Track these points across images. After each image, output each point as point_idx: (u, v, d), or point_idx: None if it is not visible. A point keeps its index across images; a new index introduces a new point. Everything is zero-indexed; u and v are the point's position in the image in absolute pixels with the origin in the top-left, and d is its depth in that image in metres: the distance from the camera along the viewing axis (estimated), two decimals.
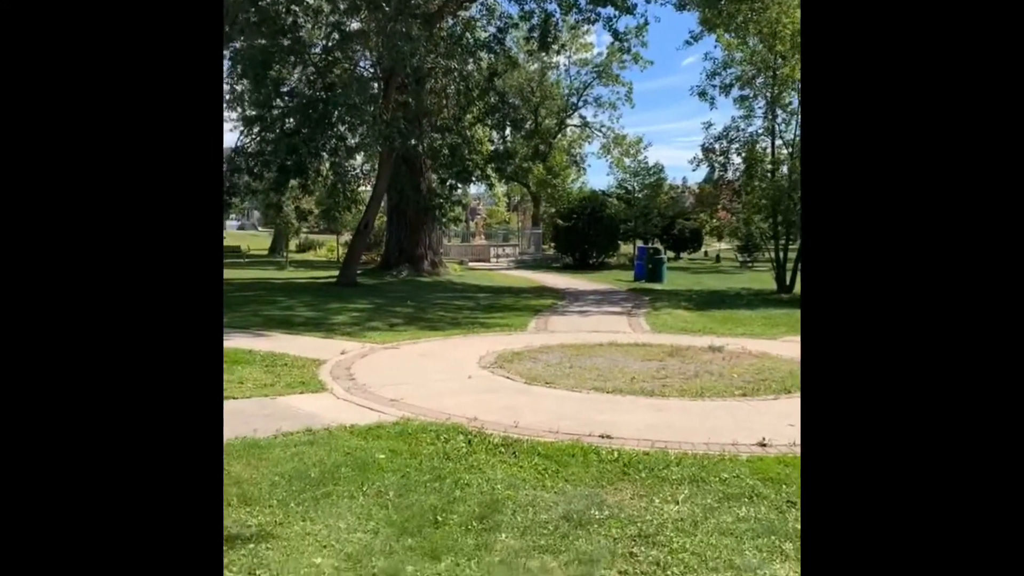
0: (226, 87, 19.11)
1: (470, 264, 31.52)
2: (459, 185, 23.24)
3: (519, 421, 5.60)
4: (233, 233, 60.37)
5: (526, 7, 19.85)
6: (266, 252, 41.19)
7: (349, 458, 4.55)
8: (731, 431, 5.40)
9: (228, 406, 5.86)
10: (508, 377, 7.46)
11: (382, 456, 4.63)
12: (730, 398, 6.65)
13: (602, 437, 5.20)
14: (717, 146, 20.20)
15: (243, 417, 5.50)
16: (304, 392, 6.57)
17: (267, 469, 4.29)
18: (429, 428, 5.32)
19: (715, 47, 22.81)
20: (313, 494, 3.92)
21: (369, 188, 22.81)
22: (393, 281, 21.66)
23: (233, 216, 58.82)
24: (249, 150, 19.40)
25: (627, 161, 38.15)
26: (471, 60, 19.41)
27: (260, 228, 59.96)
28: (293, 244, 43.59)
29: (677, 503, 4.00)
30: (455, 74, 18.69)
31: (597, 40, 63.35)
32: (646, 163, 34.72)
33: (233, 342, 9.32)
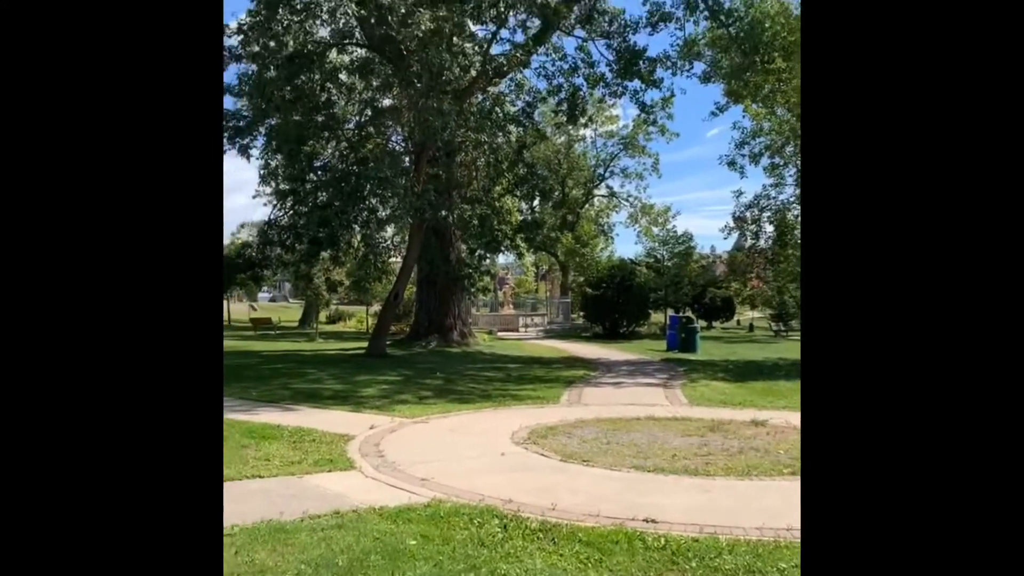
0: (260, 162, 19.64)
1: (499, 334, 31.36)
2: (488, 255, 23.31)
3: (557, 503, 5.30)
4: (264, 305, 61.19)
5: (554, 82, 20.28)
6: (296, 324, 41.52)
7: (378, 544, 4.28)
8: (784, 513, 5.03)
9: (254, 486, 5.66)
10: (543, 454, 7.15)
11: (413, 542, 4.35)
12: (779, 477, 6.26)
13: (646, 521, 4.87)
14: (748, 214, 20.12)
15: (269, 498, 5.27)
16: (332, 470, 6.34)
17: (293, 556, 4.03)
18: (462, 511, 5.03)
19: (743, 116, 23.02)
20: None
21: (399, 259, 22.98)
22: (422, 351, 21.52)
23: (265, 288, 59.71)
24: (282, 223, 19.73)
25: (655, 230, 38.19)
26: (500, 133, 19.73)
27: (291, 300, 60.69)
28: (323, 315, 43.92)
29: None
30: (485, 147, 18.99)
31: (623, 113, 64.62)
32: (674, 232, 34.69)
33: (261, 417, 9.17)
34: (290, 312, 50.26)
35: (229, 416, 9.09)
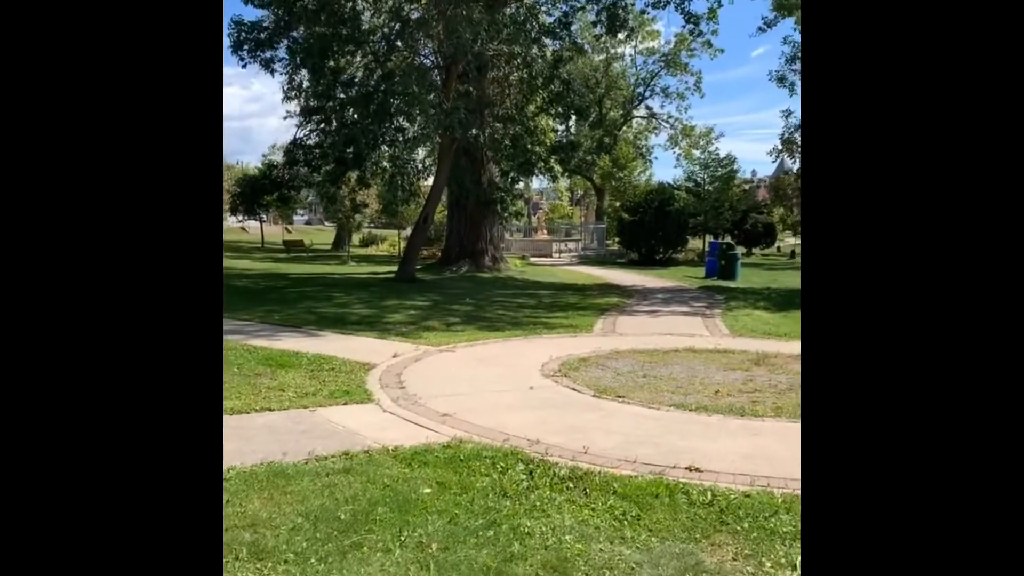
0: (284, 78, 18.85)
1: (532, 259, 30.80)
2: (521, 177, 22.48)
3: (589, 446, 4.80)
4: (299, 227, 61.30)
5: None
6: (329, 247, 41.41)
7: (388, 493, 3.83)
8: None
9: (260, 420, 5.26)
10: (574, 388, 6.64)
11: (427, 491, 3.89)
12: None
13: (689, 470, 4.35)
14: (798, 136, 18.82)
15: (275, 435, 4.85)
16: (348, 403, 5.91)
17: (290, 507, 3.60)
18: (484, 453, 4.56)
19: (794, 30, 21.35)
20: (340, 544, 3.21)
21: (430, 181, 22.28)
22: (453, 277, 21.09)
23: (300, 211, 59.57)
24: (308, 142, 19.08)
25: (696, 153, 36.61)
26: (535, 47, 18.57)
27: (326, 223, 60.61)
28: (356, 239, 43.76)
29: (794, 568, 3.13)
30: (518, 61, 17.88)
31: (664, 30, 61.62)
32: (717, 154, 33.07)
33: (282, 343, 8.81)
34: (324, 235, 50.20)
35: (248, 341, 8.75)
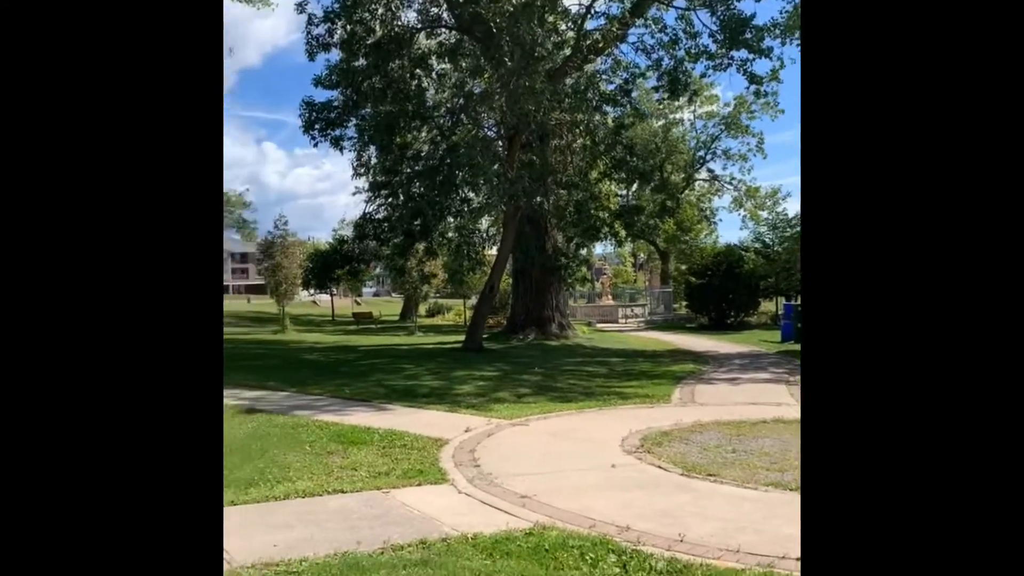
0: (352, 155, 19.41)
1: (598, 325, 30.35)
2: (585, 243, 22.34)
3: (684, 533, 4.37)
4: (368, 299, 62.55)
5: (654, 56, 19.01)
6: (397, 317, 41.92)
7: None
8: None
9: (333, 504, 5.03)
10: (660, 466, 6.20)
11: None
12: None
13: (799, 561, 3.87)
14: None
15: (348, 521, 4.61)
16: (422, 483, 5.64)
17: None
18: (570, 542, 4.19)
19: None
20: None
21: (494, 251, 22.36)
22: (520, 345, 20.84)
23: (368, 283, 60.86)
24: (376, 216, 19.46)
25: (763, 214, 35.88)
26: (596, 114, 18.68)
27: (393, 294, 61.71)
28: (422, 309, 44.22)
29: None
30: (580, 128, 17.97)
31: (722, 94, 61.81)
32: (784, 215, 32.25)
33: (352, 418, 8.66)
34: (391, 306, 50.97)
35: (320, 417, 8.64)
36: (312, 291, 46.56)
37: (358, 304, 49.28)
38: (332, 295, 44.21)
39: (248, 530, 4.36)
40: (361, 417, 8.73)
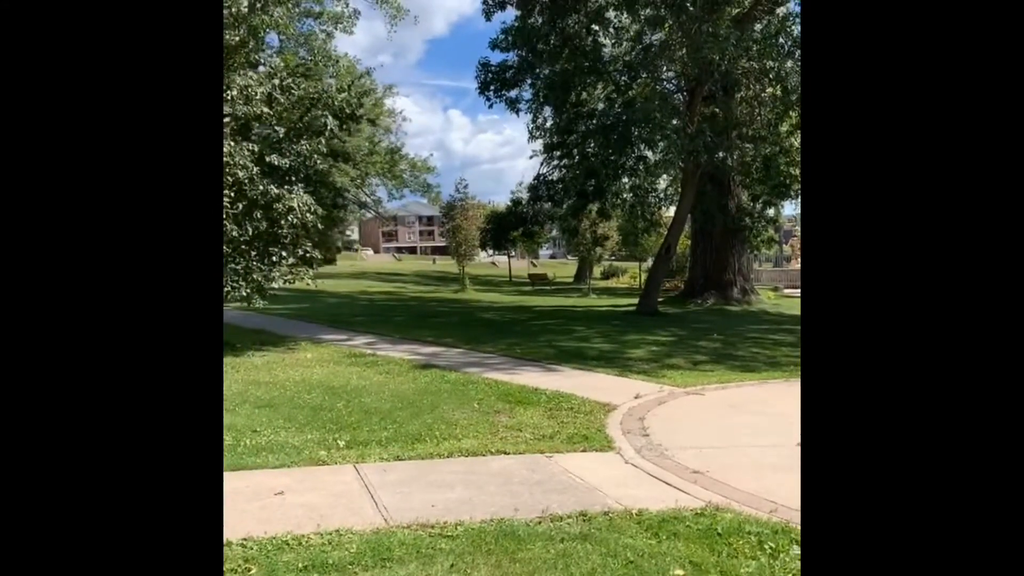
0: (528, 117, 19.31)
1: (785, 291, 28.42)
2: (773, 202, 20.78)
3: None
4: (544, 261, 63.40)
5: None
6: (571, 279, 42.05)
7: (632, 572, 3.21)
8: None
9: (495, 465, 4.93)
10: None
11: (679, 573, 3.21)
12: None
13: None
14: None
15: (509, 485, 4.47)
16: (586, 450, 5.40)
17: None
18: (747, 527, 3.76)
19: None
20: None
21: (672, 211, 21.48)
22: (697, 310, 19.97)
23: (545, 245, 61.56)
24: (551, 177, 19.32)
25: None
26: (788, 61, 17.09)
27: (569, 256, 61.96)
28: (597, 271, 44.00)
29: None
30: (770, 76, 16.53)
31: None
32: None
33: (521, 377, 8.62)
34: (567, 268, 51.24)
35: (489, 375, 8.68)
36: (490, 252, 47.91)
37: (534, 265, 50.03)
38: (509, 257, 45.17)
39: (409, 487, 4.36)
40: (530, 377, 8.67)
